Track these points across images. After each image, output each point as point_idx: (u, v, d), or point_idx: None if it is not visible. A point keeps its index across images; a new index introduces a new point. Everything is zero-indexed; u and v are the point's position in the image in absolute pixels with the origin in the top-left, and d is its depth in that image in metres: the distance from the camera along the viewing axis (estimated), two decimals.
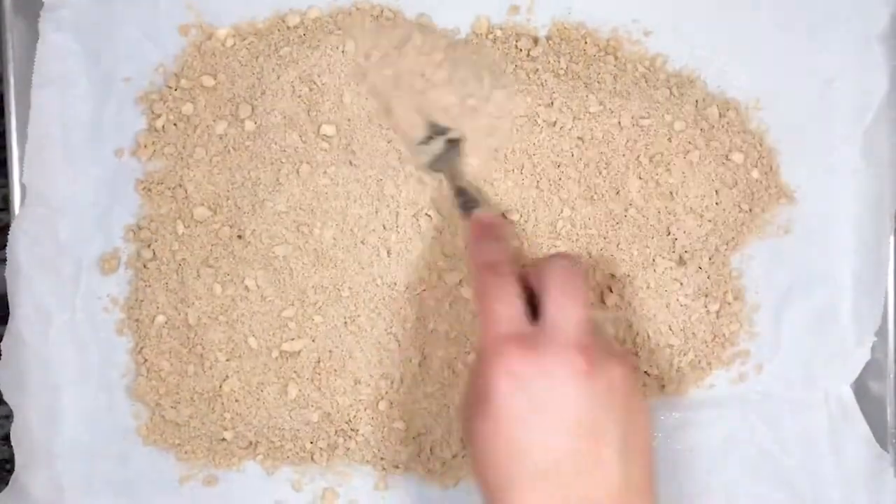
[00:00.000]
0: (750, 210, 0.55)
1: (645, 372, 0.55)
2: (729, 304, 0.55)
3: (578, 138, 0.54)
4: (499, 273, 0.46)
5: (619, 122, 0.54)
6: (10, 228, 0.54)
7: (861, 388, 0.56)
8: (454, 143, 0.53)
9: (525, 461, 0.42)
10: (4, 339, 0.54)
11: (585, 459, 0.42)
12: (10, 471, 0.53)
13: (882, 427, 0.55)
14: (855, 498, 0.55)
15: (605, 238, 0.55)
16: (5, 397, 0.53)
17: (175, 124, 0.55)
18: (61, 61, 0.55)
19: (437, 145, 0.53)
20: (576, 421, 0.42)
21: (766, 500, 0.55)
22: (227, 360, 0.54)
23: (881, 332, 0.55)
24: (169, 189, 0.55)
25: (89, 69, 0.56)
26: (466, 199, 0.52)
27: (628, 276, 0.55)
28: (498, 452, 0.43)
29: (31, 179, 0.54)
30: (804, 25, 0.56)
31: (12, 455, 0.53)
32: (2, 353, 0.54)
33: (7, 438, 0.54)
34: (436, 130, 0.53)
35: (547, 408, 0.42)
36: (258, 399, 0.55)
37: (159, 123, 0.55)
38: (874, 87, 0.55)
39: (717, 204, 0.55)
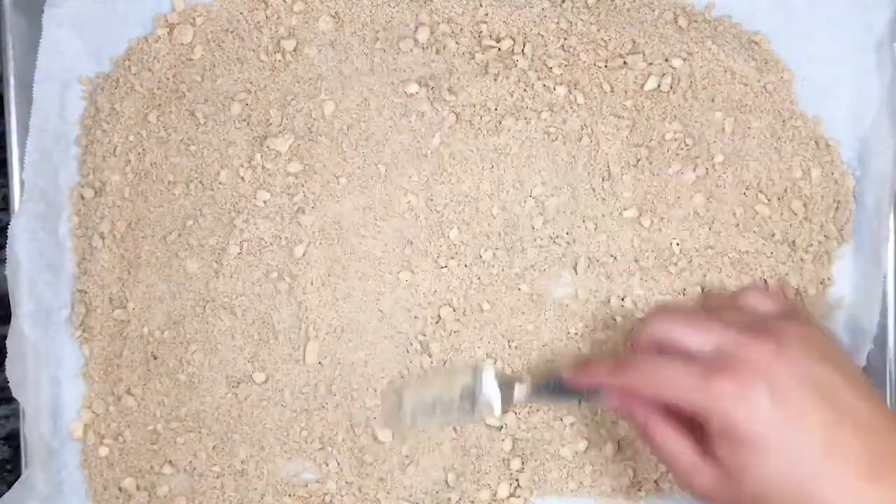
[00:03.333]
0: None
1: None
2: None
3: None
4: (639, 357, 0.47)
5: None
6: (10, 224, 0.54)
7: None
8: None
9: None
10: (9, 335, 0.54)
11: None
12: (11, 471, 0.54)
13: None
14: None
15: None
16: (13, 393, 0.54)
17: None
18: (63, 57, 0.55)
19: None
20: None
21: None
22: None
23: (880, 341, 0.55)
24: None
25: (91, 65, 0.56)
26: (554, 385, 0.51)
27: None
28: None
29: (30, 175, 0.54)
30: (802, 32, 0.55)
31: (12, 455, 0.54)
32: (7, 350, 0.54)
33: (7, 438, 0.55)
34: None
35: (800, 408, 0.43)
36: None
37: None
38: (871, 92, 0.55)
39: (708, 212, 0.55)
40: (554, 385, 0.51)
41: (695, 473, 0.46)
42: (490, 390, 0.52)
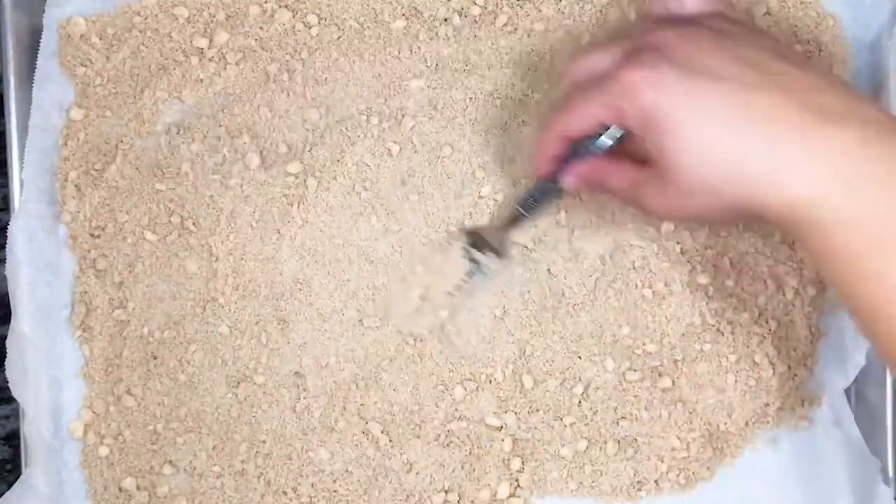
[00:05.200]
0: None
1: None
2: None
3: None
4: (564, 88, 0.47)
5: None
6: (10, 224, 0.54)
7: (859, 396, 0.56)
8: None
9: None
10: (9, 335, 0.54)
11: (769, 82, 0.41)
12: (11, 471, 0.54)
13: (881, 434, 0.55)
14: (845, 502, 0.55)
15: None
16: (13, 393, 0.54)
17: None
18: None
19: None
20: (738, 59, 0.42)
21: (757, 501, 0.56)
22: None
23: None
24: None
25: None
26: (526, 203, 0.52)
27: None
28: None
29: (30, 175, 0.54)
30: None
31: (12, 455, 0.54)
32: (7, 350, 0.54)
33: (7, 438, 0.55)
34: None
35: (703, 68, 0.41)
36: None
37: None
38: (868, 92, 0.55)
39: None
40: (528, 198, 0.51)
41: (645, 193, 0.44)
42: (475, 256, 0.53)
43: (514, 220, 0.52)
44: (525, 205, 0.52)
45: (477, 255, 0.53)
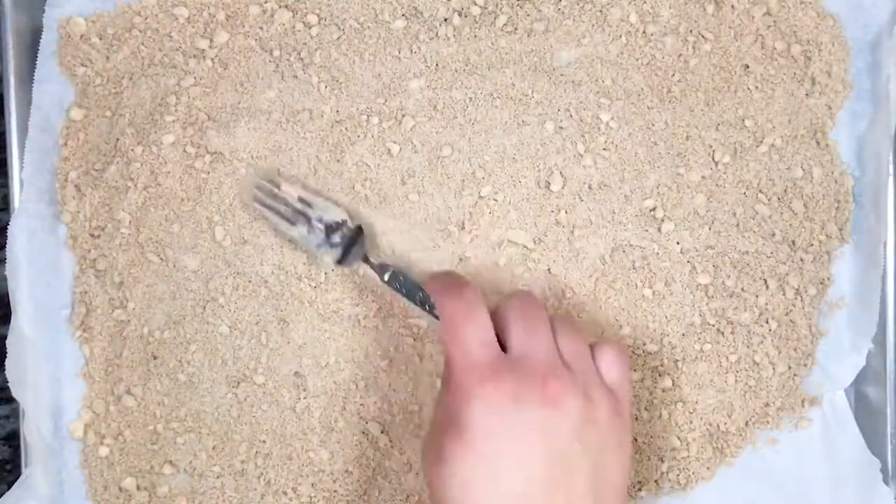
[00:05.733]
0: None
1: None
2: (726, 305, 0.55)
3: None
4: (466, 298, 0.46)
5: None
6: (10, 224, 0.54)
7: (859, 396, 0.56)
8: (359, 231, 0.53)
9: (499, 484, 0.43)
10: (9, 336, 0.54)
11: (556, 489, 0.43)
12: (10, 471, 0.54)
13: (881, 434, 0.55)
14: (846, 502, 0.55)
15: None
16: (13, 393, 0.54)
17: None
18: None
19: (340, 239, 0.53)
20: (548, 449, 0.43)
21: (757, 501, 0.56)
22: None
23: (880, 340, 0.55)
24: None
25: None
26: (397, 279, 0.51)
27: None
28: (470, 473, 0.43)
29: (30, 175, 0.54)
30: None
31: (12, 455, 0.54)
32: (7, 350, 0.54)
33: (7, 438, 0.55)
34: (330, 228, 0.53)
35: (520, 433, 0.43)
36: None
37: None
38: (868, 92, 0.55)
39: (708, 212, 0.55)
40: (408, 280, 0.51)
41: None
42: (343, 239, 0.52)
43: (380, 270, 0.52)
44: (397, 278, 0.51)
45: (335, 248, 0.52)
